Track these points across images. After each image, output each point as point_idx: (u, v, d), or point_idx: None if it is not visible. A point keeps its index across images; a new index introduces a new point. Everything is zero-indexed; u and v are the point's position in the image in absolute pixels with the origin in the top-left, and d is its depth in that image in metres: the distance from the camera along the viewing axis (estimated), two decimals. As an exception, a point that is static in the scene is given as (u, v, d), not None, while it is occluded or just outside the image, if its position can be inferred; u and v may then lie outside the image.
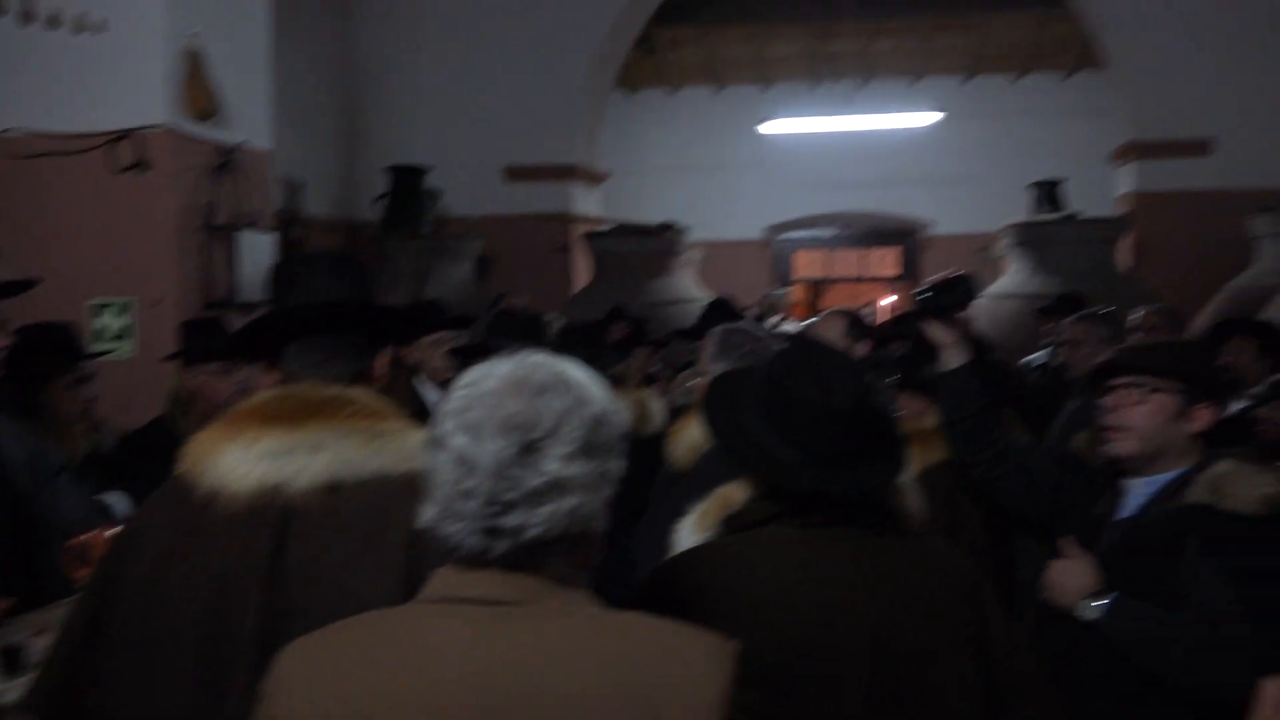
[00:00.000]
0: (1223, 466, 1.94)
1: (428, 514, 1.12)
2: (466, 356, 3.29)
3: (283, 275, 1.71)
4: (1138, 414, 2.00)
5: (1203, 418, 2.01)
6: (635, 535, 2.30)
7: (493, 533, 1.08)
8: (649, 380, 4.67)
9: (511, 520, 1.07)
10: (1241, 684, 1.75)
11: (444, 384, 3.76)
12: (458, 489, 1.08)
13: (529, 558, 1.10)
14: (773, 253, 12.07)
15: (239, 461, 1.47)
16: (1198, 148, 7.48)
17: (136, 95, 4.01)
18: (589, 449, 1.11)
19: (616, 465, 1.15)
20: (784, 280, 12.05)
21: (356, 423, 1.51)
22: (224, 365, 3.21)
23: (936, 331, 2.25)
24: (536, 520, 1.07)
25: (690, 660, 1.07)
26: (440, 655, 1.06)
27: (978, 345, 2.36)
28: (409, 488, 1.47)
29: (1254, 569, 1.82)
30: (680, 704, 1.04)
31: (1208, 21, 7.31)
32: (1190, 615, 1.84)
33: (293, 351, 1.62)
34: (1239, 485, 1.88)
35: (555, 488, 1.08)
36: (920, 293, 2.25)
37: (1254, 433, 3.21)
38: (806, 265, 12.66)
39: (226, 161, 4.26)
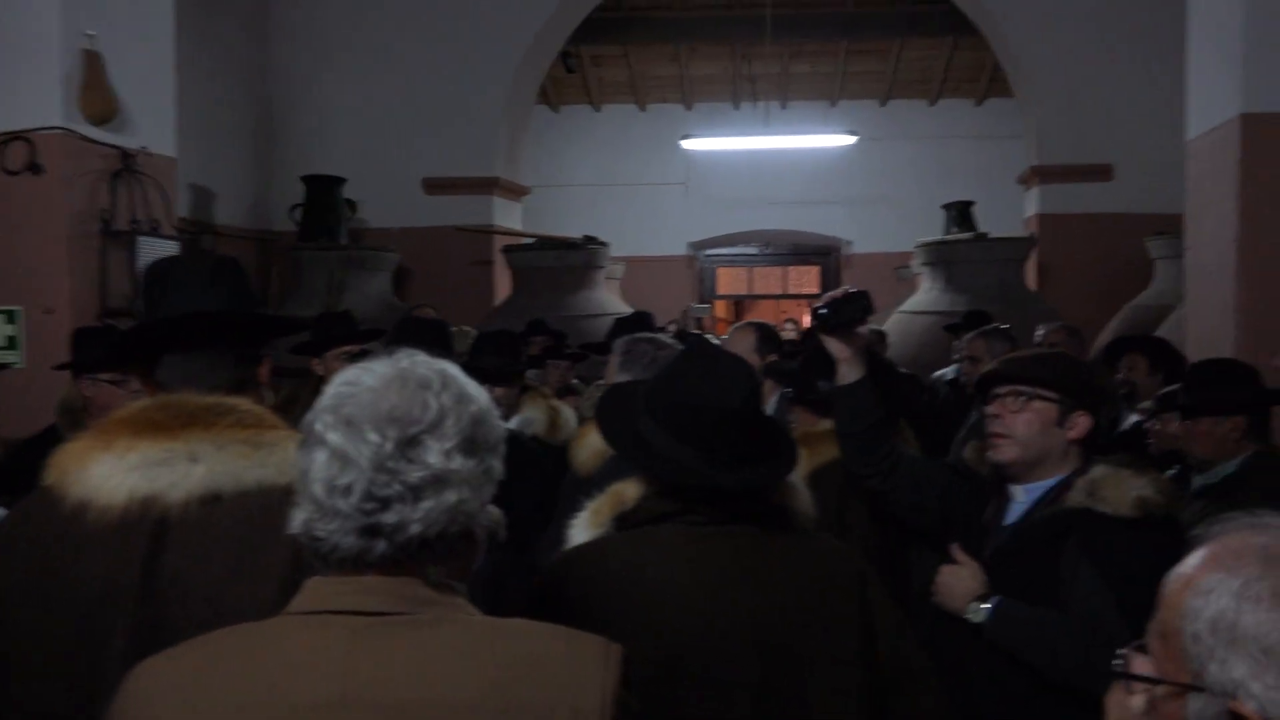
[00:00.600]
0: (1099, 471, 2.01)
1: (298, 518, 1.07)
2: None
3: (157, 280, 1.65)
4: (1019, 422, 2.08)
5: (1080, 425, 2.08)
6: (541, 542, 2.28)
7: (371, 531, 1.04)
8: (567, 392, 4.65)
9: (390, 517, 1.04)
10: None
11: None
12: (333, 485, 1.04)
13: (408, 559, 1.06)
14: (696, 270, 12.16)
15: (110, 472, 1.41)
16: (1099, 172, 7.78)
17: (30, 96, 3.86)
18: (470, 445, 1.09)
19: (497, 465, 1.13)
20: (706, 297, 12.14)
21: (237, 432, 1.46)
22: (118, 375, 3.10)
23: (834, 346, 2.29)
24: (416, 516, 1.04)
25: (576, 665, 1.05)
26: (314, 670, 1.02)
27: (876, 361, 2.41)
28: (293, 499, 1.43)
29: (1128, 569, 1.87)
30: (566, 710, 1.01)
31: (1111, 53, 7.62)
32: (1070, 615, 1.90)
33: (170, 360, 1.57)
34: (1114, 489, 1.95)
35: (436, 482, 1.05)
36: (819, 309, 2.28)
37: (1144, 445, 3.34)
38: (729, 282, 12.79)
39: (125, 166, 4.12)
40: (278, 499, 1.42)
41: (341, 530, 1.05)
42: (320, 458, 1.06)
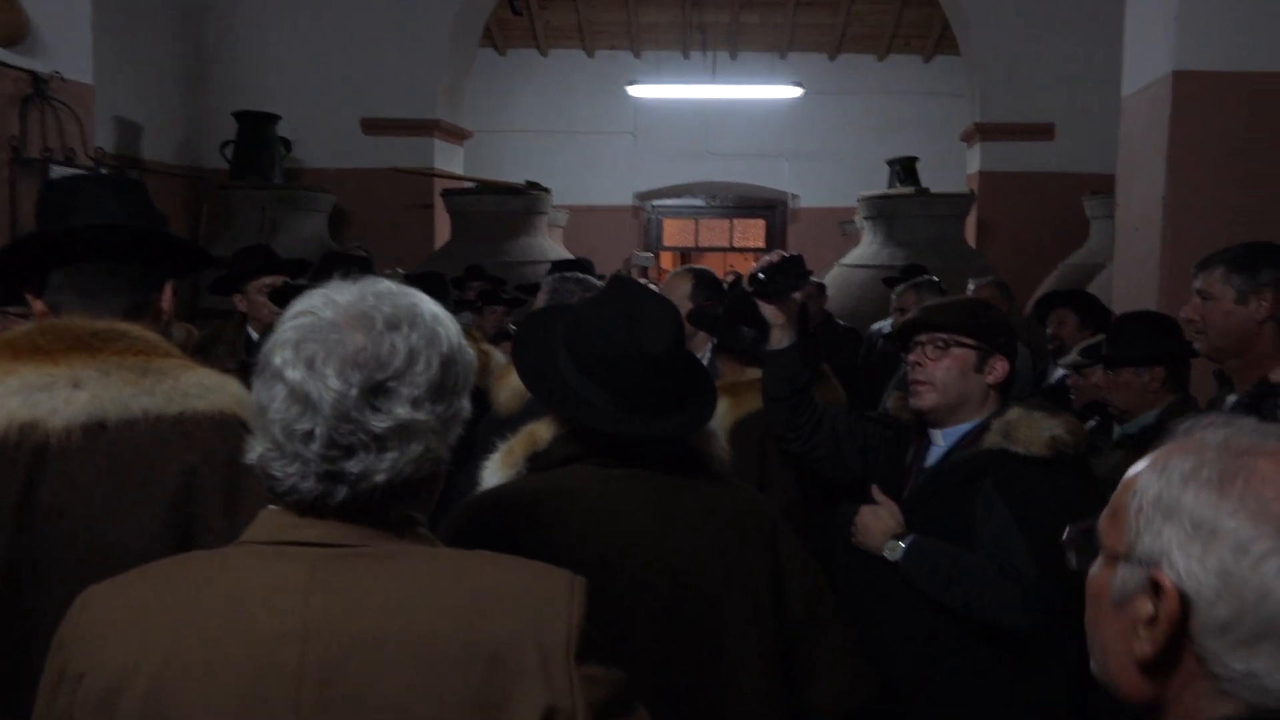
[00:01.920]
0: (1014, 413, 2.05)
1: (255, 450, 1.02)
2: (286, 298, 3.13)
3: (51, 197, 1.57)
4: (939, 368, 2.11)
5: (998, 369, 2.12)
6: (457, 484, 2.25)
7: (333, 477, 1.00)
8: (503, 337, 4.60)
9: (354, 465, 0.99)
10: (1026, 619, 1.86)
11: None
12: (294, 428, 0.98)
13: (370, 504, 1.02)
14: (643, 220, 12.08)
15: None
16: (1040, 132, 7.85)
17: (-68, 13, 3.65)
18: (438, 390, 1.03)
19: (464, 405, 1.09)
20: (653, 248, 12.09)
21: (125, 359, 1.41)
22: (28, 309, 2.98)
23: (768, 311, 2.29)
24: (382, 466, 1.00)
25: (542, 599, 1.03)
26: (276, 600, 0.98)
27: (806, 326, 2.42)
28: (181, 430, 1.39)
29: (1038, 507, 1.93)
30: (532, 645, 0.99)
31: (1055, 13, 7.65)
32: (982, 553, 1.94)
33: (59, 280, 1.50)
34: (1027, 430, 1.99)
35: (402, 432, 1.00)
36: (754, 275, 2.27)
37: (1067, 398, 3.40)
38: (675, 234, 12.73)
39: (37, 91, 3.93)
40: (166, 428, 1.38)
41: (301, 474, 1.00)
42: (279, 395, 0.99)
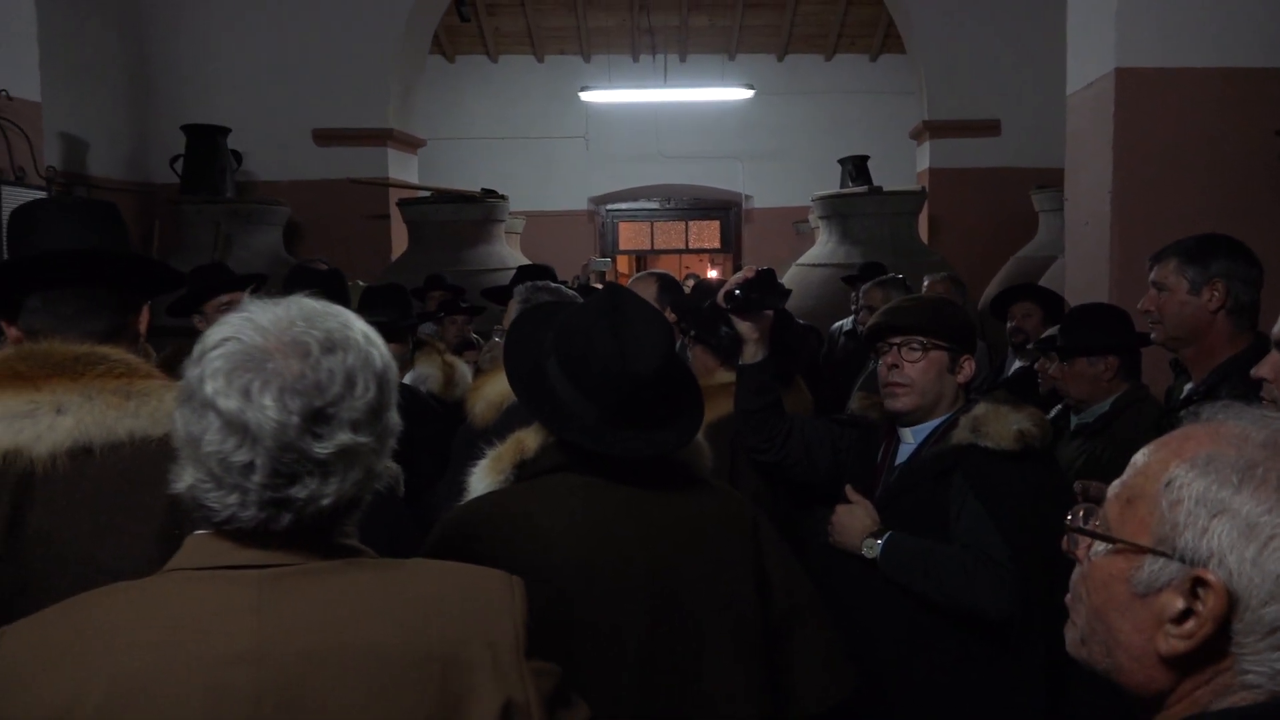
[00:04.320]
0: (980, 409, 2.10)
1: (185, 479, 1.00)
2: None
3: (22, 221, 1.55)
4: (916, 370, 2.15)
5: (967, 369, 2.18)
6: (437, 494, 2.25)
7: (277, 504, 0.99)
8: (465, 346, 4.59)
9: (299, 491, 0.99)
10: (1002, 605, 1.90)
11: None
12: (231, 460, 0.96)
13: (315, 527, 1.02)
14: (597, 224, 12.10)
15: None
16: (987, 128, 8.00)
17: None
18: (376, 410, 1.03)
19: (395, 419, 1.08)
20: (609, 252, 12.11)
21: (107, 382, 1.40)
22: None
23: (743, 327, 2.29)
24: (327, 491, 1.00)
25: (484, 599, 1.06)
26: (224, 624, 0.97)
27: (787, 332, 2.42)
28: (167, 451, 1.37)
29: (1010, 499, 1.98)
30: (481, 644, 1.02)
31: (999, 10, 7.80)
32: (957, 544, 1.99)
33: (36, 305, 1.48)
34: (995, 424, 2.04)
35: (345, 456, 1.00)
36: (730, 291, 2.26)
37: (1034, 385, 3.47)
38: (631, 237, 12.77)
39: (-16, 110, 3.86)
40: (153, 451, 1.37)
41: (241, 504, 0.98)
42: (212, 425, 0.97)
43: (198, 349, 1.01)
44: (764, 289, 2.26)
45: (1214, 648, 0.79)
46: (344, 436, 0.99)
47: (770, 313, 2.31)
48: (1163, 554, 0.81)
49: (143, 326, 1.58)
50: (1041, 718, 1.97)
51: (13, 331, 1.49)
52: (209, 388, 0.97)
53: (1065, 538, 0.92)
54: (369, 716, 0.97)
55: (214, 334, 1.01)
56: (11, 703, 0.95)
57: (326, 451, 0.98)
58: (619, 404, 1.47)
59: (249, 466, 0.96)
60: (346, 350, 1.01)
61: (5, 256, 1.57)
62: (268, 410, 0.96)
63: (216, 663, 0.96)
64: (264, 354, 0.98)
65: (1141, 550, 0.83)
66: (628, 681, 1.42)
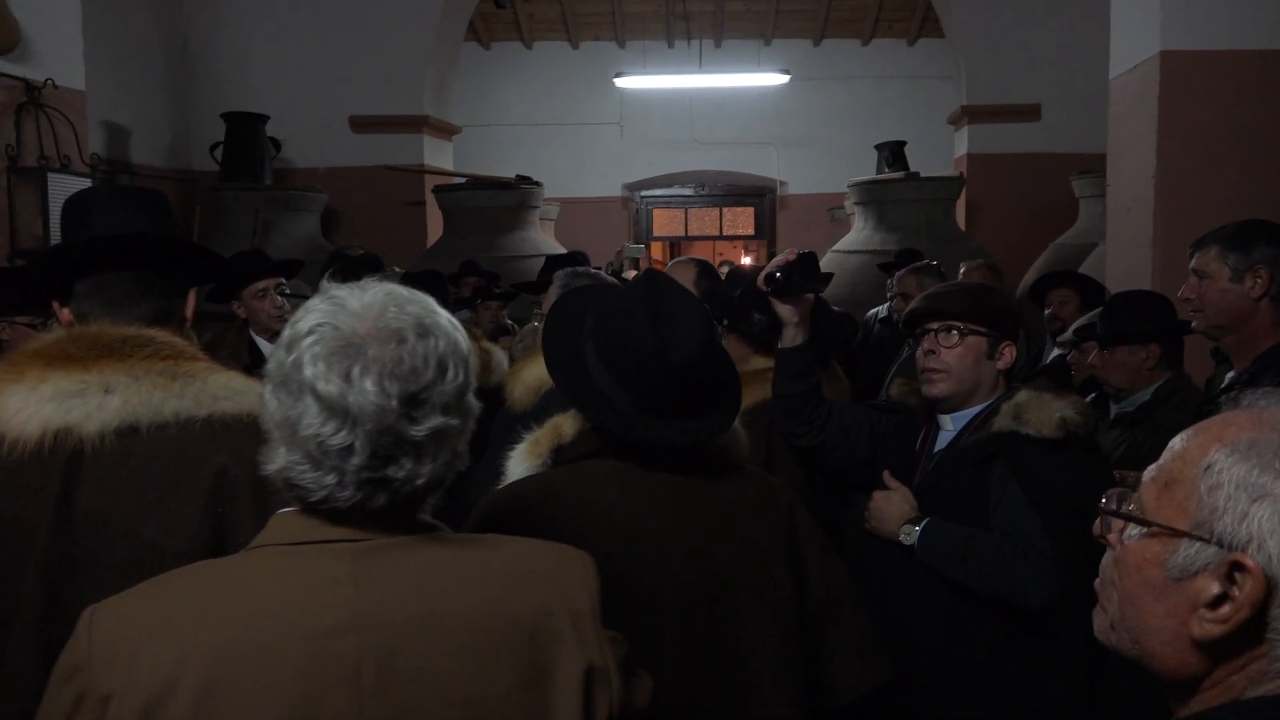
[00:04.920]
0: (1022, 396, 2.07)
1: (278, 460, 1.03)
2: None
3: (75, 208, 1.59)
4: (953, 356, 2.13)
5: (1007, 356, 2.15)
6: (474, 478, 2.27)
7: (374, 484, 1.02)
8: (500, 332, 4.62)
9: (395, 472, 1.02)
10: (1043, 594, 1.89)
11: (275, 335, 3.60)
12: (330, 443, 0.99)
13: (406, 506, 1.06)
14: (632, 211, 12.10)
15: (22, 405, 1.37)
16: (1027, 112, 7.89)
17: (-75, 23, 3.64)
18: (462, 392, 1.07)
19: (474, 402, 1.12)
20: (643, 239, 12.10)
21: (153, 363, 1.43)
22: (35, 317, 2.99)
23: (783, 310, 2.28)
24: (422, 472, 1.04)
25: (564, 571, 1.11)
26: (323, 596, 1.00)
27: (822, 318, 2.40)
28: (211, 431, 1.41)
29: (1052, 487, 1.95)
30: (564, 613, 1.07)
31: (1040, -6, 7.69)
32: (997, 533, 1.97)
33: (86, 289, 1.52)
34: (1037, 411, 2.01)
35: (438, 438, 1.04)
36: (771, 274, 2.24)
37: (1068, 376, 3.44)
38: (665, 224, 12.76)
39: (31, 99, 3.92)
40: (196, 431, 1.40)
41: (339, 484, 1.01)
42: (310, 409, 0.99)
43: (288, 334, 1.03)
44: (805, 272, 2.24)
45: (1249, 633, 0.78)
46: (436, 419, 1.03)
47: (811, 296, 2.29)
48: (1200, 538, 0.80)
49: (189, 311, 1.62)
50: (1081, 708, 1.95)
51: (65, 314, 1.53)
52: (308, 372, 1.00)
53: (1098, 521, 0.91)
54: (462, 682, 1.01)
55: (305, 320, 1.04)
56: (112, 676, 0.97)
57: (421, 434, 1.02)
58: (655, 393, 1.47)
59: (348, 449, 1.00)
60: (437, 336, 1.05)
61: (59, 242, 1.60)
62: (369, 394, 0.99)
63: (317, 633, 0.99)
64: (362, 340, 1.01)
65: (1178, 534, 0.82)
66: (665, 666, 1.42)
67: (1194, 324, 2.45)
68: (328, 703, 0.97)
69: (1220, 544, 0.79)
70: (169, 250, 1.57)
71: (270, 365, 1.04)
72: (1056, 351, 4.20)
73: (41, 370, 1.39)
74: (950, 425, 2.17)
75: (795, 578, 1.56)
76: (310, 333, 1.02)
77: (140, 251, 1.52)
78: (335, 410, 0.99)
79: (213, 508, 1.38)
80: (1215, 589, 0.79)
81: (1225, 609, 0.79)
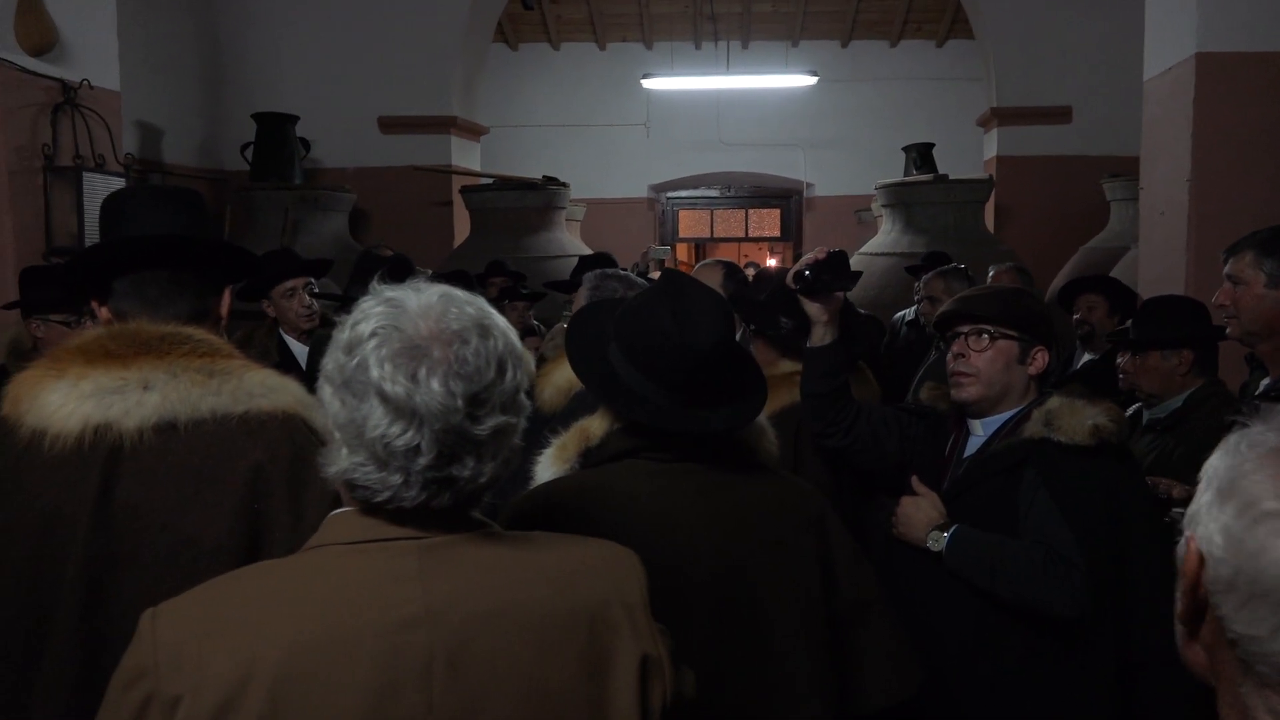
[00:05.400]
0: (1054, 402, 2.04)
1: (340, 462, 1.03)
2: (341, 306, 3.16)
3: (113, 208, 1.61)
4: (982, 360, 2.09)
5: (1039, 360, 2.11)
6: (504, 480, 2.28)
7: (440, 484, 1.03)
8: (527, 333, 4.64)
9: (460, 470, 1.03)
10: (1071, 604, 1.87)
11: (304, 334, 3.63)
12: (396, 444, 1.00)
13: (467, 502, 1.08)
14: (657, 212, 12.10)
15: (64, 400, 1.40)
16: (1058, 115, 7.82)
17: (-36, 25, 3.70)
18: (519, 390, 1.09)
19: (526, 401, 1.14)
20: (668, 240, 12.10)
21: (191, 360, 1.45)
22: (69, 315, 3.04)
23: (812, 309, 2.26)
24: (485, 470, 1.05)
25: (615, 567, 1.14)
26: (390, 589, 1.02)
27: (848, 320, 2.38)
28: (247, 428, 1.43)
29: (1083, 495, 1.93)
30: (619, 605, 1.09)
31: (1071, -5, 7.62)
32: (1026, 541, 1.94)
33: (124, 287, 1.54)
34: (1069, 418, 1.98)
35: (499, 437, 1.06)
36: (800, 272, 2.22)
37: (1114, 379, 3.38)
38: (690, 225, 12.75)
39: (67, 99, 3.98)
40: (233, 427, 1.42)
41: (405, 484, 1.02)
42: (375, 410, 1.00)
43: (347, 337, 1.04)
44: (834, 270, 2.21)
45: (1206, 613, 0.79)
46: (498, 417, 1.05)
47: (840, 295, 2.26)
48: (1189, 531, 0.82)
49: (224, 310, 1.64)
50: (1110, 717, 1.92)
51: (104, 312, 1.55)
52: (374, 373, 1.00)
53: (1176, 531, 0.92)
54: (528, 672, 1.03)
55: (366, 323, 1.04)
56: (181, 678, 0.97)
57: (485, 432, 1.04)
58: (681, 382, 1.48)
59: (415, 449, 1.01)
60: (495, 337, 1.07)
61: (98, 241, 1.63)
62: (435, 394, 1.00)
63: (388, 628, 1.00)
64: (426, 341, 1.02)
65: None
66: (695, 666, 1.42)
67: (1228, 330, 2.41)
68: (401, 696, 0.99)
69: (1187, 527, 0.81)
70: (206, 249, 1.59)
71: (329, 367, 1.05)
72: (1088, 356, 4.16)
73: (82, 367, 1.41)
74: (980, 431, 2.15)
75: (825, 580, 1.55)
76: (374, 335, 1.02)
77: (178, 251, 1.54)
78: (403, 411, 1.00)
79: (249, 503, 1.40)
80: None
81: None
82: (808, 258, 2.24)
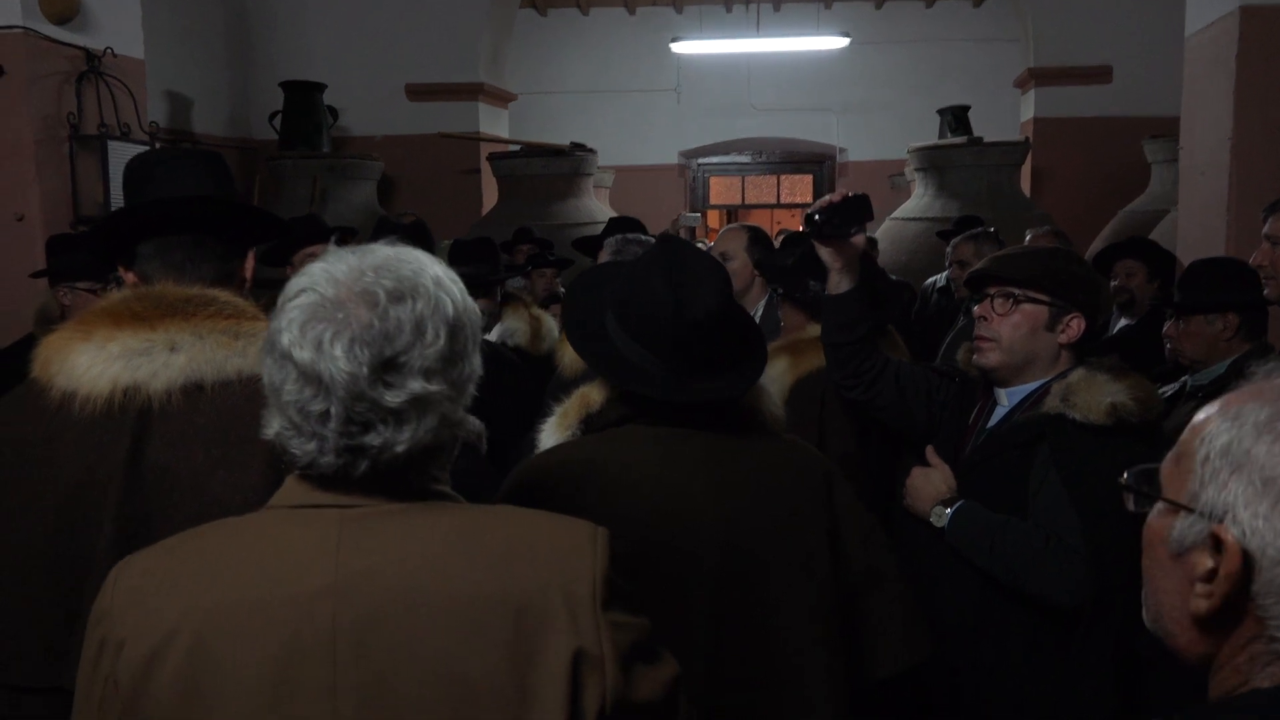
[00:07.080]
0: (1075, 376, 1.93)
1: (273, 426, 1.04)
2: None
3: (136, 172, 1.60)
4: (1005, 325, 2.00)
5: (1073, 328, 2.00)
6: (523, 448, 2.27)
7: (353, 451, 1.01)
8: (554, 300, 4.62)
9: (373, 439, 1.00)
10: (1070, 592, 1.79)
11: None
12: (309, 409, 0.99)
13: (391, 473, 1.04)
14: (688, 179, 12.01)
15: (92, 362, 1.41)
16: (1098, 74, 7.63)
17: (-13, -6, 3.70)
18: (449, 359, 1.03)
19: (475, 365, 1.09)
20: (699, 207, 12.01)
21: (217, 322, 1.45)
22: (96, 283, 3.07)
23: (826, 254, 2.20)
24: (401, 439, 1.01)
25: (566, 549, 1.05)
26: (308, 559, 1.00)
27: (869, 268, 2.32)
28: None
29: (1092, 480, 1.82)
30: (559, 592, 1.01)
31: (1111, -51, 7.41)
32: (1029, 524, 1.87)
33: (149, 251, 1.54)
34: (1086, 394, 1.88)
35: (418, 405, 1.01)
36: (812, 214, 2.16)
37: (1154, 350, 3.29)
38: (721, 192, 12.63)
39: (91, 68, 3.98)
40: (259, 388, 1.40)
41: (320, 450, 1.01)
42: (290, 376, 1.00)
43: (281, 299, 1.03)
44: (846, 214, 2.14)
45: (1242, 610, 0.75)
46: (415, 385, 1.00)
47: (857, 240, 2.18)
48: (1191, 510, 0.78)
49: (248, 273, 1.63)
50: (1110, 708, 1.83)
51: (129, 276, 1.56)
52: (285, 339, 1.00)
53: (1129, 497, 0.87)
54: (447, 655, 0.98)
55: (294, 285, 1.03)
56: (126, 624, 1.01)
57: (399, 400, 0.99)
58: (676, 350, 1.46)
59: (325, 415, 0.99)
60: (415, 298, 1.02)
61: (123, 205, 1.63)
62: (338, 361, 0.98)
63: (299, 597, 0.99)
64: (335, 305, 0.99)
65: (1177, 507, 0.80)
66: (698, 637, 1.41)
67: (1266, 292, 2.34)
68: (305, 668, 0.97)
69: (1203, 515, 0.77)
70: (229, 211, 1.58)
71: (270, 329, 1.04)
72: (1124, 322, 4.07)
73: (109, 329, 1.41)
74: (1005, 400, 2.05)
75: (832, 546, 1.52)
76: (294, 298, 1.01)
77: (202, 213, 1.54)
78: (310, 377, 0.98)
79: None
80: (1209, 563, 0.76)
81: (1212, 584, 0.76)
82: (821, 201, 2.18)
